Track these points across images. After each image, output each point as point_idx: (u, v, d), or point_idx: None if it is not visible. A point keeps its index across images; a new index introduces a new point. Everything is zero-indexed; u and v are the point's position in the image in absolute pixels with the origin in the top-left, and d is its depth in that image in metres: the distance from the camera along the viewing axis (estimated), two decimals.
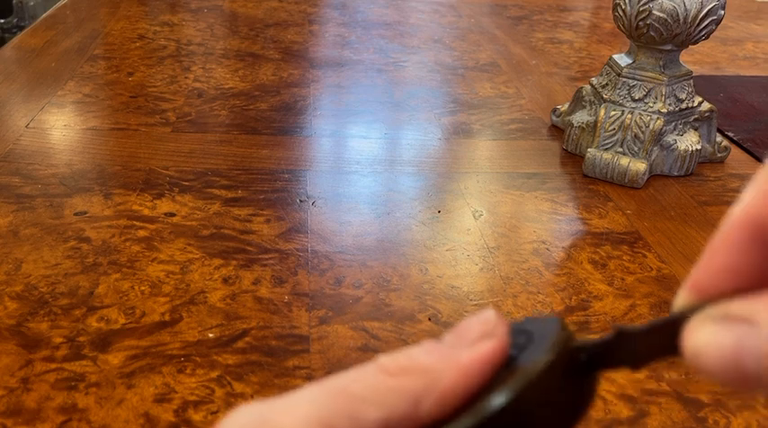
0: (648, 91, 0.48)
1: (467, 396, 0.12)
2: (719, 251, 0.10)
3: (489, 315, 0.12)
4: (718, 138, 0.52)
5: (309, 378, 0.29)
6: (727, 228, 0.10)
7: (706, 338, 0.10)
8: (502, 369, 0.12)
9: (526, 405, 0.11)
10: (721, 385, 0.11)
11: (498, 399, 0.11)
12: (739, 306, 0.10)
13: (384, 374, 0.11)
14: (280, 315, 0.33)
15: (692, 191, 0.48)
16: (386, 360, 0.12)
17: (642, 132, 0.47)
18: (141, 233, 0.38)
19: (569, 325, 0.13)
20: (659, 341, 0.11)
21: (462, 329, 0.12)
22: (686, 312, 0.11)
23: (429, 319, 0.33)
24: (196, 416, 0.27)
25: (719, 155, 0.52)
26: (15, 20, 1.18)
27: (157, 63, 0.65)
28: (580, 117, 0.51)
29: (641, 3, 0.45)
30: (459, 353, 0.12)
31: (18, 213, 0.39)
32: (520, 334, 0.13)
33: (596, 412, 0.29)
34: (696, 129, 0.50)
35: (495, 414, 0.11)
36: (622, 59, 0.49)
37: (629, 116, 0.48)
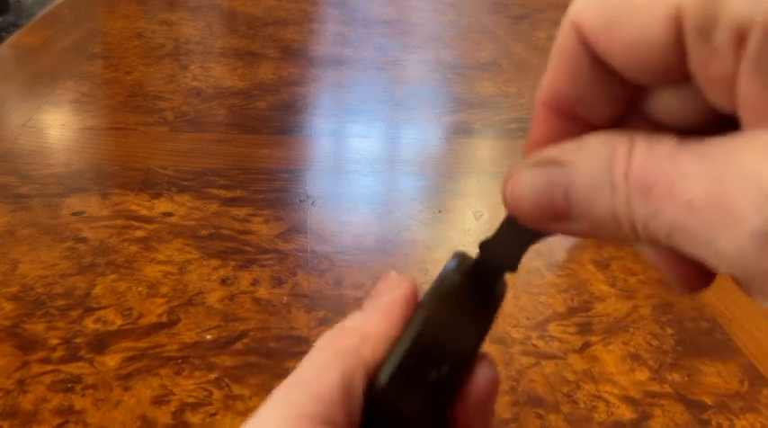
0: None
1: (396, 339, 0.13)
2: (534, 127, 0.12)
3: (393, 274, 0.15)
4: None
5: None
6: (535, 108, 0.12)
7: (523, 182, 0.11)
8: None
9: (433, 327, 0.13)
10: (541, 227, 0.12)
11: (411, 329, 0.13)
12: (547, 151, 0.11)
13: (320, 351, 0.13)
14: (278, 316, 0.32)
15: None
16: (320, 340, 0.13)
17: None
18: (139, 233, 0.38)
19: (464, 254, 0.14)
20: (516, 233, 0.13)
21: (375, 292, 0.14)
22: None
23: None
24: (194, 419, 0.27)
25: None
26: (13, 18, 1.17)
27: (156, 62, 0.64)
28: None
29: None
30: (376, 305, 0.14)
31: (15, 213, 0.39)
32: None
33: (599, 414, 0.29)
34: None
35: (420, 333, 0.13)
36: None
37: None
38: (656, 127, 0.11)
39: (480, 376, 0.13)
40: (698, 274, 0.11)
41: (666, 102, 0.11)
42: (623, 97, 0.11)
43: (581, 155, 0.11)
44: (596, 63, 0.10)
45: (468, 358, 0.13)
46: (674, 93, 0.10)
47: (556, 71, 0.11)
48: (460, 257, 0.14)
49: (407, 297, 0.14)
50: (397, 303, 0.14)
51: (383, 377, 0.13)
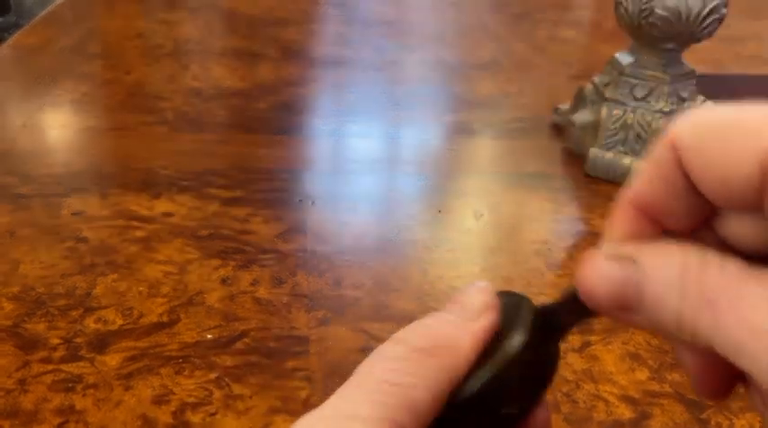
0: (651, 90, 0.47)
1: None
2: (616, 221, 0.13)
3: (486, 287, 0.14)
4: None
5: (308, 380, 0.29)
6: (620, 204, 0.13)
7: (600, 271, 0.12)
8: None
9: (507, 377, 0.13)
10: (605, 313, 0.13)
11: (487, 373, 0.13)
12: (627, 248, 0.12)
13: (421, 354, 0.12)
14: (278, 316, 0.32)
15: None
16: (417, 340, 0.13)
17: (645, 132, 0.47)
18: (139, 233, 0.38)
19: (531, 300, 0.15)
20: (573, 307, 0.14)
21: (465, 302, 0.14)
22: None
23: None
24: (194, 418, 0.27)
25: None
26: (15, 18, 1.17)
27: (155, 62, 0.64)
28: (582, 116, 0.51)
29: (643, 1, 0.44)
30: (472, 326, 0.13)
31: (15, 213, 0.39)
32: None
33: (598, 413, 0.29)
34: None
35: (507, 369, 0.13)
36: (624, 58, 0.49)
37: (632, 115, 0.47)
38: (724, 245, 0.12)
39: (538, 419, 0.14)
40: (725, 386, 0.12)
41: (739, 225, 0.12)
42: (702, 213, 0.12)
43: (658, 258, 0.12)
44: (685, 181, 0.12)
45: (535, 404, 0.14)
46: (749, 218, 0.12)
47: (647, 178, 0.12)
48: (532, 314, 0.14)
49: (495, 323, 0.14)
50: (489, 329, 0.14)
51: (459, 398, 0.13)
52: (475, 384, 0.13)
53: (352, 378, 0.13)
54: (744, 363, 0.10)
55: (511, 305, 0.14)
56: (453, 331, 0.13)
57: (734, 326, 0.10)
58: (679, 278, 0.11)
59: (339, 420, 0.12)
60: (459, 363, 0.13)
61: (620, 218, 0.13)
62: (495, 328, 0.14)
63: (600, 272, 0.12)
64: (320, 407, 0.12)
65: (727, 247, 0.12)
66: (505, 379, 0.13)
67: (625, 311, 0.12)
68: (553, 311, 0.14)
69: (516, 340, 0.13)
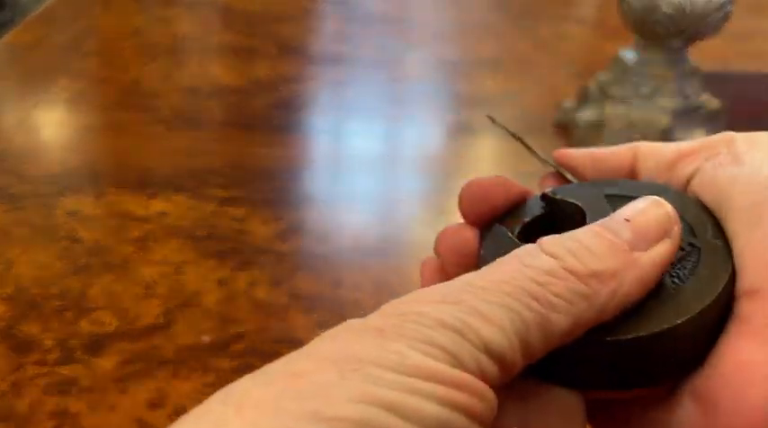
0: (655, 87, 0.47)
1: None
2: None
3: (668, 211, 0.12)
4: None
5: None
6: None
7: None
8: None
9: (691, 330, 0.11)
10: None
11: (683, 315, 0.11)
12: None
13: (573, 280, 0.11)
14: (276, 318, 0.32)
15: None
16: (571, 260, 0.11)
17: (649, 130, 0.46)
18: (135, 233, 0.37)
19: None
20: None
21: (638, 224, 0.11)
22: None
23: None
24: None
25: None
26: (10, 15, 1.17)
27: (152, 59, 0.64)
28: (586, 114, 0.51)
29: None
30: (640, 259, 0.11)
31: (9, 213, 0.39)
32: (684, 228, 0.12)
33: None
34: (704, 127, 0.49)
35: (674, 330, 0.11)
36: (629, 55, 0.49)
37: (636, 113, 0.47)
38: None
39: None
40: None
41: None
42: None
43: None
44: None
45: (678, 376, 0.12)
46: None
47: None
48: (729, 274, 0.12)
49: (671, 256, 0.11)
50: (662, 264, 0.11)
51: (606, 337, 0.11)
52: (635, 331, 0.11)
53: (489, 271, 0.11)
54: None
55: (702, 232, 0.12)
56: (616, 259, 0.11)
57: None
58: None
59: (466, 314, 0.10)
60: (614, 300, 0.11)
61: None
62: (670, 261, 0.11)
63: None
64: (450, 291, 0.10)
65: None
66: (668, 336, 0.11)
67: None
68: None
69: (704, 295, 0.11)
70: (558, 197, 0.14)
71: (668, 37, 0.45)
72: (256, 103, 0.56)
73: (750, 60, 0.76)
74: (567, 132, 0.53)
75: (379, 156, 0.50)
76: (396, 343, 0.10)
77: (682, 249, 0.12)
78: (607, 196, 0.13)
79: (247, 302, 0.33)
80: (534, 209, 0.14)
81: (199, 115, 0.53)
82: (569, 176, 0.15)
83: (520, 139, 0.16)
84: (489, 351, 0.10)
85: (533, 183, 0.49)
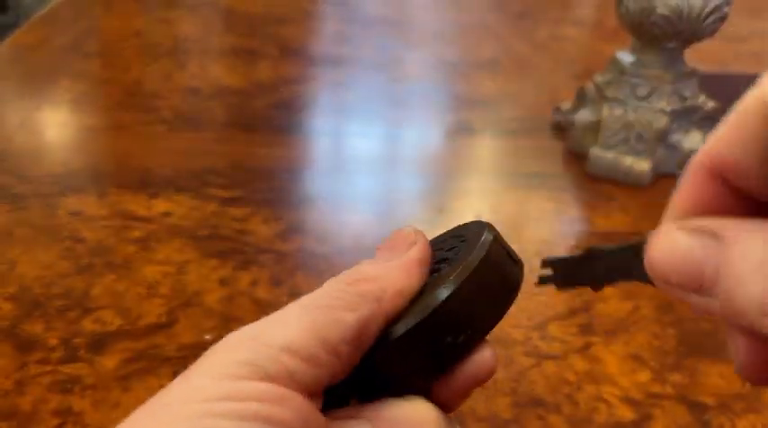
0: (652, 89, 0.47)
1: (412, 295, 0.14)
2: (686, 189, 0.12)
3: (409, 229, 0.15)
4: None
5: None
6: (692, 169, 0.12)
7: (675, 243, 0.11)
8: (433, 268, 0.14)
9: (467, 293, 0.13)
10: (667, 289, 0.11)
11: (444, 291, 0.13)
12: (707, 221, 0.11)
13: (349, 284, 0.14)
14: None
15: None
16: (343, 276, 0.14)
17: (646, 131, 0.47)
18: (137, 233, 0.38)
19: (493, 227, 0.15)
20: (622, 262, 0.13)
21: (391, 244, 0.15)
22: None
23: None
24: None
25: None
26: (14, 17, 1.17)
27: (153, 60, 0.64)
28: (583, 115, 0.51)
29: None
30: (399, 259, 0.14)
31: (12, 213, 0.39)
32: (454, 239, 0.15)
33: (600, 415, 0.28)
34: (701, 128, 0.49)
35: (443, 302, 0.13)
36: (626, 57, 0.49)
37: (633, 115, 0.47)
38: None
39: (482, 359, 0.14)
40: None
41: None
42: None
43: (744, 236, 0.10)
44: None
45: (483, 335, 0.14)
46: None
47: (729, 135, 0.11)
48: (493, 233, 0.14)
49: (424, 255, 0.14)
50: (416, 261, 0.14)
51: (400, 329, 0.13)
52: (414, 310, 0.13)
53: (285, 308, 0.13)
54: None
55: (482, 241, 0.14)
56: (382, 266, 0.14)
57: None
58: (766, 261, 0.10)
59: (262, 326, 0.12)
60: (386, 292, 0.13)
61: (692, 183, 0.12)
62: (428, 259, 0.14)
63: (674, 245, 0.11)
64: (251, 326, 0.13)
65: None
66: (448, 305, 0.13)
67: (697, 292, 0.11)
68: (601, 256, 0.13)
69: (462, 261, 0.14)
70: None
71: (665, 39, 0.46)
72: (257, 104, 0.56)
73: (747, 61, 0.76)
74: (565, 133, 0.53)
75: (379, 156, 0.50)
76: (195, 378, 0.12)
77: (452, 248, 0.15)
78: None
79: (248, 301, 0.33)
80: None
81: (200, 116, 0.53)
82: None
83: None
84: (287, 348, 0.12)
85: (533, 183, 0.49)
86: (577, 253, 0.14)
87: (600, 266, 0.13)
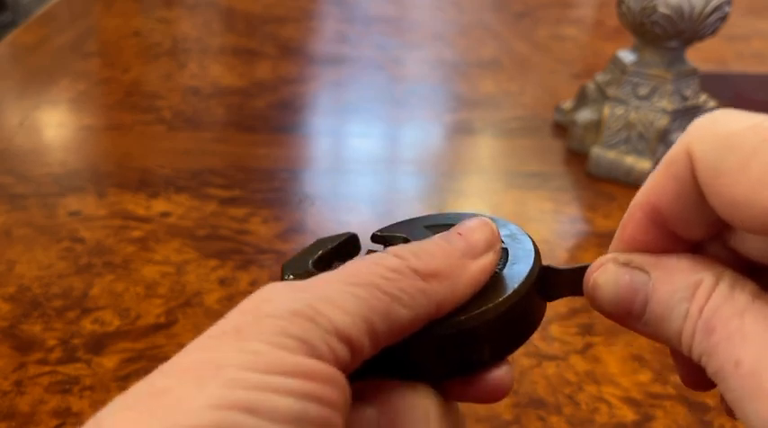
0: (653, 88, 0.47)
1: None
2: (627, 226, 0.13)
3: (492, 228, 0.14)
4: None
5: None
6: (631, 209, 0.13)
7: (610, 276, 0.13)
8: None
9: (512, 312, 0.14)
10: (607, 316, 0.13)
11: (500, 305, 0.13)
12: (640, 257, 0.13)
13: (415, 277, 0.12)
14: None
15: None
16: (415, 261, 0.13)
17: (647, 130, 0.47)
18: (136, 233, 0.37)
19: (539, 252, 0.15)
20: (572, 281, 0.14)
21: (470, 237, 0.14)
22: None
23: None
24: None
25: None
26: (11, 16, 1.17)
27: (153, 60, 0.64)
28: (584, 115, 0.51)
29: None
30: (471, 265, 0.13)
31: (11, 213, 0.39)
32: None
33: (601, 416, 0.28)
34: None
35: (493, 317, 0.13)
36: (627, 56, 0.49)
37: (634, 114, 0.47)
38: (738, 256, 0.12)
39: (500, 376, 0.14)
40: (711, 384, 0.12)
41: (753, 243, 0.12)
42: (715, 225, 0.12)
43: (669, 274, 0.12)
44: (698, 192, 0.11)
45: (505, 357, 0.14)
46: (763, 239, 0.12)
47: (659, 183, 0.12)
48: (539, 259, 0.15)
49: (493, 267, 0.14)
50: (486, 273, 0.13)
51: (441, 329, 0.13)
52: (460, 320, 0.13)
53: (341, 269, 0.12)
54: (728, 397, 0.11)
55: (516, 247, 0.15)
56: (453, 264, 0.13)
57: (722, 360, 0.11)
58: (687, 299, 0.11)
59: (317, 301, 0.11)
60: (449, 297, 0.13)
61: (631, 222, 0.13)
62: (494, 269, 0.14)
63: (609, 277, 0.13)
64: (302, 283, 0.12)
65: (741, 259, 0.12)
66: (489, 324, 0.13)
67: (627, 318, 0.13)
68: (558, 273, 0.14)
69: (513, 289, 0.14)
70: (384, 234, 0.16)
71: (666, 38, 0.45)
72: (257, 104, 0.56)
73: (748, 61, 0.76)
74: (566, 133, 0.53)
75: (378, 155, 0.50)
76: (252, 341, 0.11)
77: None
78: (426, 226, 0.16)
79: None
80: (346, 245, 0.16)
81: (200, 116, 0.53)
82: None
83: None
84: (339, 333, 0.11)
85: (533, 183, 0.49)
86: (538, 267, 0.15)
87: (555, 282, 0.15)
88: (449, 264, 0.13)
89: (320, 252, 0.15)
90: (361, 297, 0.11)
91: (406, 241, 0.15)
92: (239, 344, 0.11)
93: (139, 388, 0.10)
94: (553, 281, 0.14)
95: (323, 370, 0.10)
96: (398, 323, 0.12)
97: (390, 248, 0.13)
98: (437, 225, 0.16)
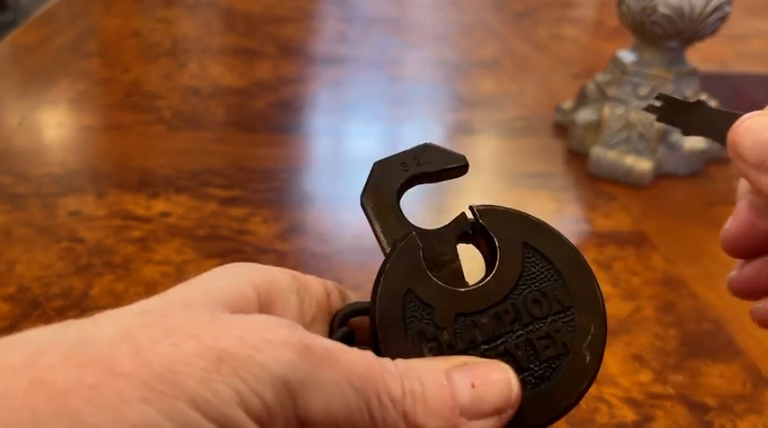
0: (654, 88, 0.47)
1: None
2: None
3: (512, 392, 0.12)
4: None
5: None
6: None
7: (758, 123, 0.13)
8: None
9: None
10: (740, 168, 0.14)
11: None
12: None
13: (402, 420, 0.12)
14: None
15: (698, 190, 0.47)
16: (409, 404, 0.12)
17: (647, 130, 0.47)
18: (136, 233, 0.37)
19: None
20: (718, 123, 0.14)
21: (481, 393, 0.12)
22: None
23: None
24: None
25: (726, 154, 0.51)
26: (12, 16, 1.17)
27: (153, 60, 0.64)
28: (584, 115, 0.51)
29: None
30: (465, 424, 0.12)
31: (11, 213, 0.39)
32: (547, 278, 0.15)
33: (601, 416, 0.28)
34: None
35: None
36: (627, 56, 0.49)
37: (634, 114, 0.47)
38: None
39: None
40: None
41: None
42: None
43: None
44: None
45: None
46: None
47: None
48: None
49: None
50: None
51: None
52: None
53: (342, 363, 0.12)
54: None
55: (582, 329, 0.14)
56: (442, 422, 0.12)
57: None
58: None
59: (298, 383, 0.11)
60: None
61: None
62: None
63: (758, 124, 0.13)
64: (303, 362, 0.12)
65: None
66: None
67: (761, 167, 0.13)
68: (708, 111, 0.15)
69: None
70: (483, 223, 0.15)
71: (666, 38, 0.45)
72: (257, 104, 0.56)
73: (748, 61, 0.76)
74: (566, 133, 0.53)
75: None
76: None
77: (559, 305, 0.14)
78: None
79: None
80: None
81: (200, 116, 0.53)
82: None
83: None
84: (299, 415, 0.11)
85: (534, 183, 0.49)
86: (689, 100, 0.15)
87: (699, 118, 0.15)
88: (438, 423, 0.12)
89: (409, 175, 0.15)
90: (357, 397, 0.11)
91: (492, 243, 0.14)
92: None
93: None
94: (698, 115, 0.15)
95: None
96: None
97: (401, 364, 0.12)
98: (535, 247, 0.15)
